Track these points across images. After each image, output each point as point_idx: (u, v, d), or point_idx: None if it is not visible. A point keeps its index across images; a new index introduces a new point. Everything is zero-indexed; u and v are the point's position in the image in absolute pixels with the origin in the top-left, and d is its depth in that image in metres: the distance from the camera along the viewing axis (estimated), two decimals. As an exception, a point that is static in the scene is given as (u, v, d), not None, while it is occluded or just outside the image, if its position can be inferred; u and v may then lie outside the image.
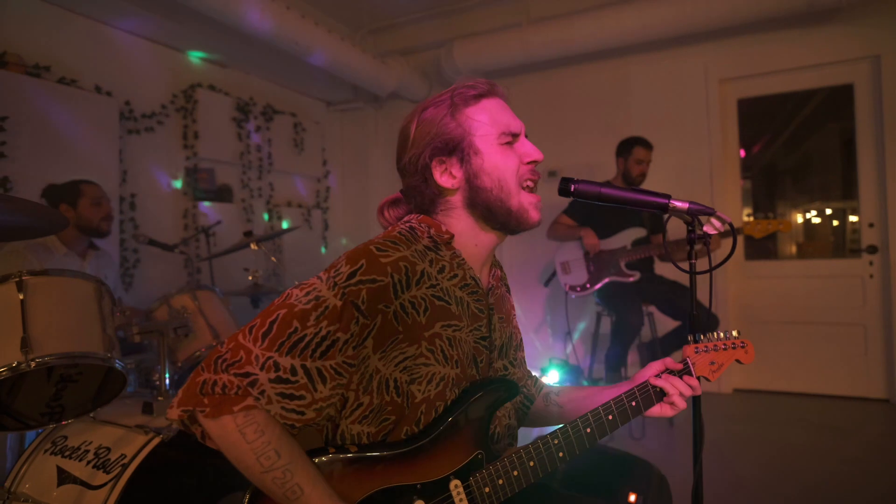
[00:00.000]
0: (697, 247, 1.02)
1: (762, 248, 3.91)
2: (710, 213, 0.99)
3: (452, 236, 0.95)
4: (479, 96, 0.95)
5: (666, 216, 1.02)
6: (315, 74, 4.10)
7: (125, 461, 1.39)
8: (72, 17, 3.06)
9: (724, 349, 1.04)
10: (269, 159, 4.22)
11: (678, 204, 0.99)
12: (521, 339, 1.12)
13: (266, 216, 4.23)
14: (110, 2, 3.05)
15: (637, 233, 3.03)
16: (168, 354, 1.80)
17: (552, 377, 3.01)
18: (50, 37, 2.95)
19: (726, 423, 3.15)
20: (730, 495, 2.23)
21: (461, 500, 0.88)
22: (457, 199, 0.96)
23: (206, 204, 3.71)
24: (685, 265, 1.03)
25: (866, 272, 3.49)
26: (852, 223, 3.66)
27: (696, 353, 1.03)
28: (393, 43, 4.58)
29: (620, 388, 1.01)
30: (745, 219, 3.87)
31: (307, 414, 0.81)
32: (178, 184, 3.64)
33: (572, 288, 3.10)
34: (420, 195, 0.96)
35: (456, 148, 0.93)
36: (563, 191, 0.99)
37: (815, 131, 3.90)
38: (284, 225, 4.35)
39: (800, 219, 3.98)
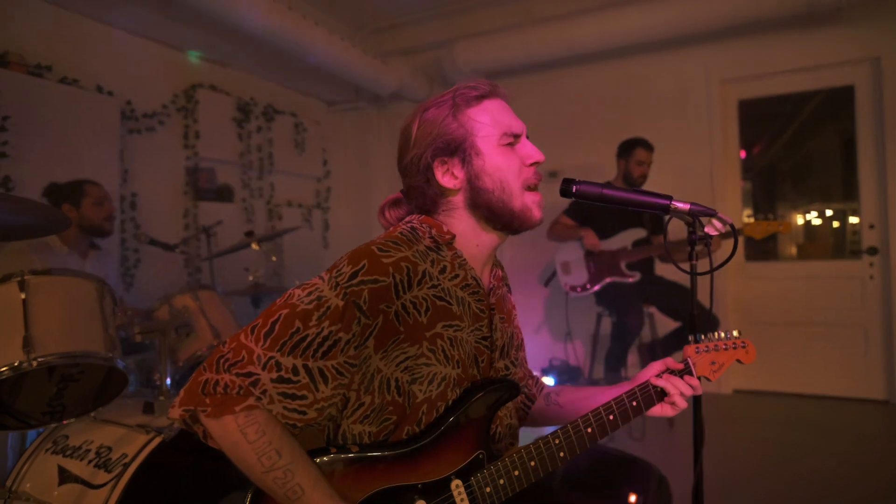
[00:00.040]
0: (698, 248, 1.02)
1: (762, 249, 3.91)
2: (712, 214, 1.00)
3: (454, 237, 0.95)
4: (481, 97, 0.95)
5: (667, 217, 1.02)
6: (316, 75, 4.10)
7: (126, 460, 1.39)
8: (73, 17, 3.06)
9: (725, 349, 1.04)
10: (269, 159, 4.22)
11: (680, 205, 0.99)
12: (523, 339, 1.12)
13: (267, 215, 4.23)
14: (112, 1, 3.05)
15: (637, 233, 3.03)
16: (169, 354, 1.81)
17: (551, 381, 3.01)
18: (52, 36, 2.96)
19: (726, 423, 3.15)
20: (730, 496, 2.24)
21: (462, 499, 0.88)
22: (458, 200, 0.96)
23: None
24: (686, 266, 1.04)
25: (866, 273, 3.49)
26: (852, 225, 3.67)
27: (697, 353, 1.03)
28: (394, 43, 4.58)
29: (621, 388, 1.01)
30: (746, 220, 3.88)
31: (309, 414, 0.81)
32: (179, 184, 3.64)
33: (573, 288, 3.11)
34: (422, 195, 0.97)
35: (458, 148, 0.93)
36: (565, 192, 0.99)
37: (815, 133, 3.91)
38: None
39: (800, 220, 3.98)
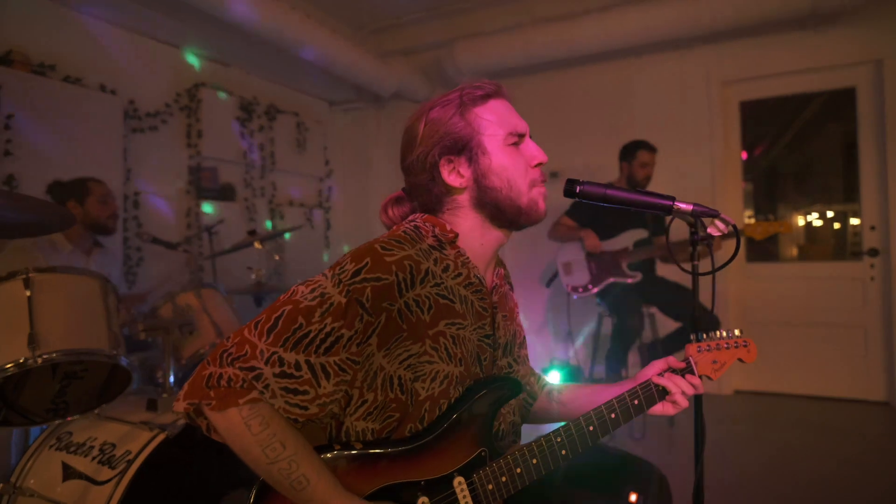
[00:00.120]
0: (699, 248, 1.03)
1: (763, 250, 3.92)
2: (715, 215, 1.00)
3: (457, 235, 0.96)
4: (487, 97, 0.96)
5: (669, 218, 1.03)
6: (317, 74, 4.11)
7: (130, 457, 1.40)
8: (77, 16, 3.07)
9: (727, 348, 1.05)
10: (271, 158, 4.23)
11: (682, 206, 0.99)
12: (525, 337, 1.13)
13: (269, 224, 4.24)
14: (115, 1, 3.06)
15: (639, 234, 3.04)
16: (172, 352, 1.81)
17: (553, 378, 3.02)
18: (55, 35, 2.96)
19: (727, 424, 3.16)
20: (730, 496, 2.24)
21: (465, 496, 0.89)
22: (464, 199, 0.96)
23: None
24: (688, 266, 1.04)
25: (867, 275, 3.50)
26: (853, 226, 3.67)
27: (699, 351, 1.04)
28: (395, 43, 4.59)
29: (623, 387, 1.02)
30: (747, 221, 3.88)
31: (310, 409, 0.82)
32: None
33: (574, 289, 3.11)
34: (426, 193, 0.97)
35: (465, 147, 0.94)
36: (569, 192, 1.00)
37: (816, 134, 3.91)
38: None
39: (801, 221, 3.98)
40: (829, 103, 3.71)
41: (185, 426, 1.49)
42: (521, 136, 0.97)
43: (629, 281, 2.99)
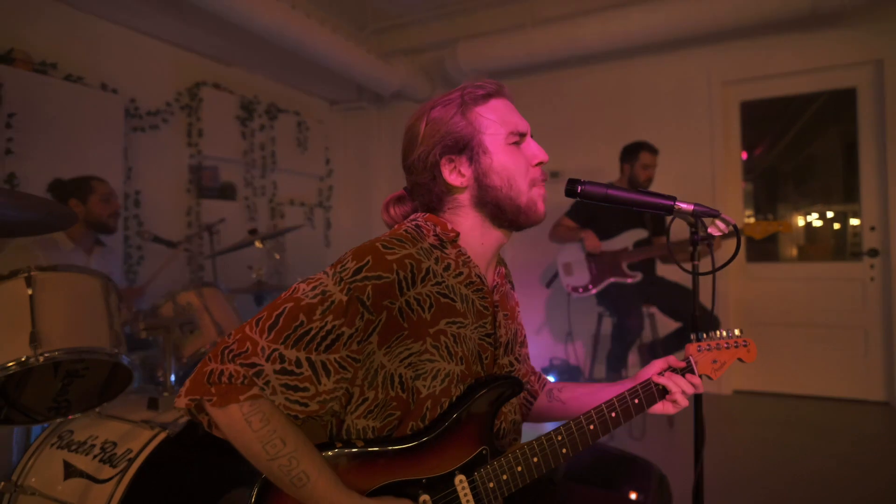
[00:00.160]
0: (700, 248, 1.03)
1: (763, 250, 3.92)
2: (715, 214, 1.00)
3: (458, 234, 0.96)
4: (488, 96, 0.96)
5: (670, 218, 1.03)
6: (319, 74, 4.11)
7: (131, 455, 1.41)
8: (78, 15, 3.07)
9: (727, 348, 1.05)
10: (272, 158, 4.24)
11: (684, 206, 0.99)
12: (525, 336, 1.13)
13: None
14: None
15: (639, 234, 3.04)
16: (173, 350, 1.82)
17: (552, 378, 3.02)
18: (57, 34, 2.97)
19: (726, 424, 3.16)
20: (729, 496, 2.24)
21: (466, 494, 0.89)
22: (465, 198, 0.97)
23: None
24: (689, 266, 1.04)
25: (867, 275, 3.50)
26: (853, 226, 3.67)
27: (699, 351, 1.04)
28: (397, 43, 4.60)
29: (623, 386, 1.02)
30: (746, 220, 3.89)
31: (310, 406, 0.82)
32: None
33: (574, 289, 3.12)
34: (427, 193, 0.97)
35: (466, 146, 0.94)
36: (570, 192, 1.00)
37: (817, 135, 3.91)
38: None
39: (801, 222, 3.99)
40: (830, 104, 3.71)
41: (186, 425, 1.50)
42: (523, 135, 0.97)
43: (629, 281, 2.99)
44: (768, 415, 3.36)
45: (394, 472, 0.87)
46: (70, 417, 1.58)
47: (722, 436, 2.95)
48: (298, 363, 0.80)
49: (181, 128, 3.65)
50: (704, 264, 0.99)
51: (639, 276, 3.00)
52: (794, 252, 3.99)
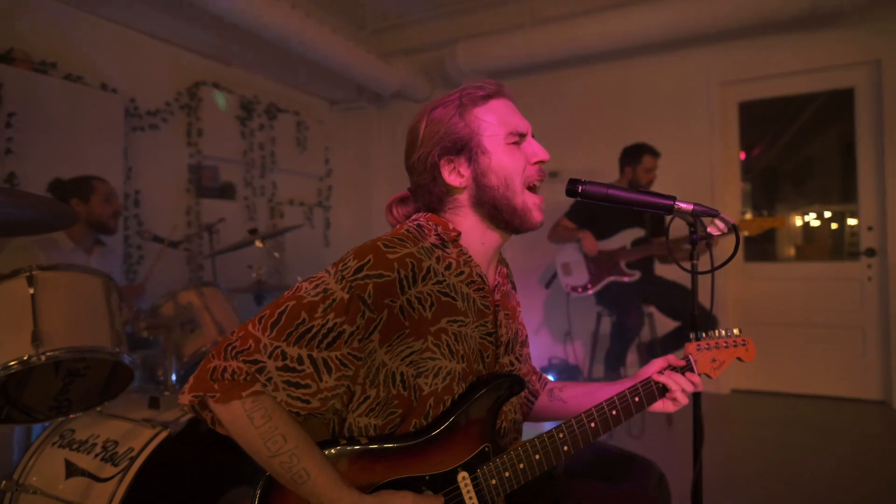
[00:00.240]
0: (698, 247, 1.04)
1: (761, 250, 3.93)
2: (715, 214, 1.01)
3: (459, 234, 0.97)
4: (488, 97, 0.97)
5: (669, 218, 1.04)
6: (318, 74, 4.11)
7: (133, 454, 1.41)
8: (79, 15, 3.07)
9: (726, 347, 1.06)
10: (272, 157, 4.24)
11: (683, 205, 1.00)
12: (527, 336, 1.14)
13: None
14: (116, -1, 3.07)
15: (636, 233, 3.05)
16: (174, 350, 1.82)
17: (551, 377, 3.03)
18: (57, 34, 2.97)
19: (725, 423, 3.17)
20: (728, 495, 2.25)
21: (468, 491, 0.90)
22: (464, 198, 0.97)
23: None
24: (687, 265, 1.05)
25: (864, 275, 3.51)
26: (851, 226, 3.69)
27: (699, 350, 1.05)
28: (396, 43, 4.60)
29: (623, 384, 1.03)
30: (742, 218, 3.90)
31: (312, 403, 0.83)
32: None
33: (573, 289, 3.13)
34: (428, 193, 0.98)
35: (464, 147, 0.95)
36: (571, 191, 1.01)
37: (815, 135, 3.92)
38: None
39: (799, 221, 4.00)
40: (828, 104, 3.73)
41: (188, 423, 1.50)
42: (522, 135, 0.98)
43: (627, 280, 3.00)
44: (766, 414, 3.37)
45: (397, 469, 0.87)
46: (71, 416, 1.58)
47: (720, 435, 2.96)
48: (300, 360, 0.81)
49: (181, 127, 3.65)
50: (703, 264, 1.00)
51: (637, 275, 3.01)
52: (792, 252, 4.00)
